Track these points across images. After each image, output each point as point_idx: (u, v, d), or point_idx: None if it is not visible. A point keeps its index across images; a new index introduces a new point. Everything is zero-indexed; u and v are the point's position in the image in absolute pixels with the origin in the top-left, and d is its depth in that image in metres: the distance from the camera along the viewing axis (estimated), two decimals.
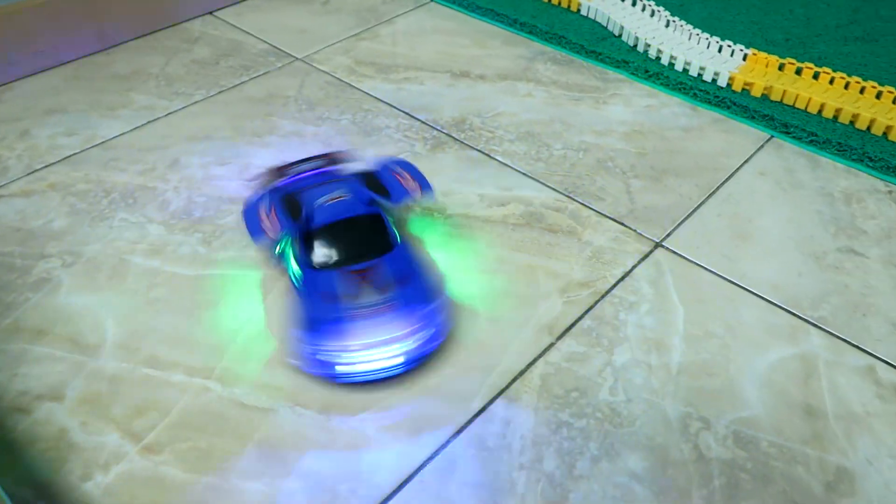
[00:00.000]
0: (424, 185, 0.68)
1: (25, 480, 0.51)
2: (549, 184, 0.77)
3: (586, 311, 0.63)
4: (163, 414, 0.55)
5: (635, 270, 0.67)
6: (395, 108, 0.89)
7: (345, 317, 0.54)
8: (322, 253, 0.59)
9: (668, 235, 0.71)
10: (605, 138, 0.84)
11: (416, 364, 0.57)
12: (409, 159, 0.81)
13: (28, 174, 0.78)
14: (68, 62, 0.97)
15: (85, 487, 0.50)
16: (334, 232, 0.60)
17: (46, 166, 0.79)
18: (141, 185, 0.77)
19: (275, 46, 1.02)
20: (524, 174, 0.79)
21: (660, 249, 0.70)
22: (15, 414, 0.55)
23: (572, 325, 0.62)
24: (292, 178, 0.67)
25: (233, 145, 0.83)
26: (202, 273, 0.66)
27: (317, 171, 0.67)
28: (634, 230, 0.72)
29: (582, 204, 0.75)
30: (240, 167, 0.79)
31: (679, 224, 0.73)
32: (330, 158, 0.69)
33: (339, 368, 0.54)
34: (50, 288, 0.65)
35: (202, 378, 0.57)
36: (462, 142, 0.84)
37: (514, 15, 1.06)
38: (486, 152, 0.82)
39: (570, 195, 0.76)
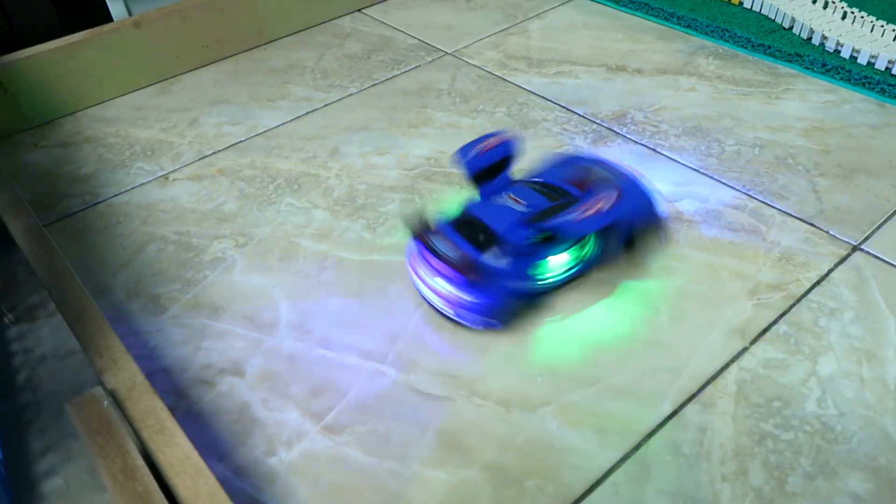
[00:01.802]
0: (599, 219, 0.55)
1: (212, 451, 0.51)
2: (724, 180, 0.72)
3: (780, 316, 0.58)
4: (340, 395, 0.54)
5: (832, 274, 0.61)
6: (550, 101, 0.87)
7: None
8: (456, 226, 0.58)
9: (867, 238, 0.65)
10: (783, 134, 0.78)
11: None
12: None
13: (199, 159, 0.81)
14: (228, 57, 1.01)
15: (270, 462, 0.50)
16: (467, 226, 0.58)
17: (215, 153, 0.82)
18: (304, 172, 0.78)
19: (423, 41, 1.02)
20: (696, 170, 0.74)
21: (859, 253, 0.63)
22: (200, 385, 0.56)
23: (766, 329, 0.57)
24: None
25: (389, 136, 0.83)
26: (369, 258, 0.66)
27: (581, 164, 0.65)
28: (827, 231, 0.66)
29: (763, 202, 0.69)
30: (398, 157, 0.79)
31: (879, 227, 0.66)
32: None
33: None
34: (225, 267, 0.66)
35: (376, 362, 0.57)
36: (625, 136, 0.80)
37: (671, 9, 1.01)
38: (653, 147, 0.78)
39: (750, 193, 0.70)
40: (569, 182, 0.62)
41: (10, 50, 0.86)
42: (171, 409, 0.54)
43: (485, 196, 0.62)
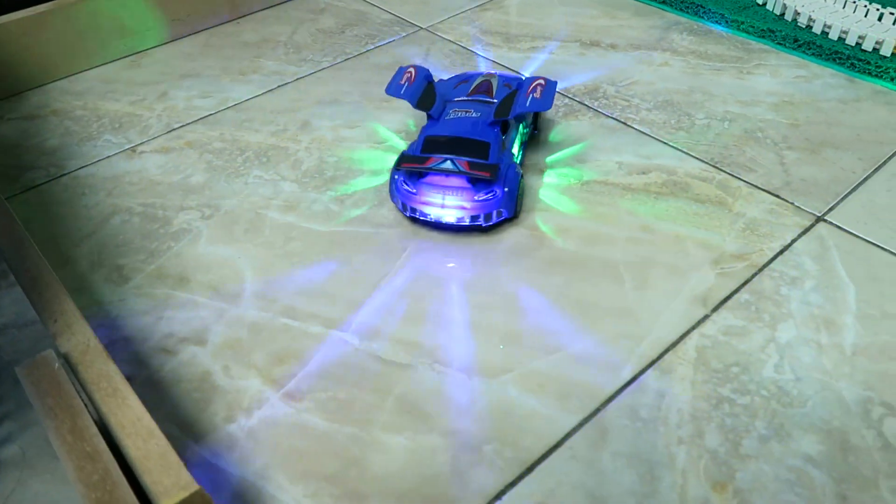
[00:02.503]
0: (547, 101, 0.66)
1: (172, 417, 0.51)
2: (693, 153, 0.72)
3: (743, 285, 0.58)
4: (302, 363, 0.54)
5: (795, 244, 0.62)
6: (522, 75, 0.86)
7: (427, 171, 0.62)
8: (430, 148, 0.64)
9: (831, 209, 0.65)
10: (753, 108, 0.78)
11: (476, 224, 0.63)
12: (544, 125, 0.77)
13: (167, 132, 0.80)
14: (201, 31, 0.99)
15: (229, 429, 0.50)
16: (447, 141, 0.64)
17: (184, 125, 0.81)
18: (274, 144, 0.77)
19: (398, 17, 1.01)
20: (665, 143, 0.74)
21: (822, 224, 0.64)
22: (161, 354, 0.55)
23: (728, 297, 0.57)
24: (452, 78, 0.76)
25: (361, 109, 0.82)
26: (336, 230, 0.66)
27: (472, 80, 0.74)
28: (792, 203, 0.66)
29: (731, 175, 0.70)
30: (368, 131, 0.78)
31: (843, 198, 0.66)
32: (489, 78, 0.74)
33: (411, 205, 0.63)
34: (191, 238, 0.66)
35: (340, 331, 0.56)
36: (596, 109, 0.80)
37: None
38: (623, 120, 0.78)
39: (718, 165, 0.71)
40: (479, 93, 0.71)
41: None
42: (132, 377, 0.54)
43: (435, 118, 0.68)
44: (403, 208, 0.64)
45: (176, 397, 0.52)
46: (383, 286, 0.60)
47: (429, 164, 0.62)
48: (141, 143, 0.78)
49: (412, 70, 0.71)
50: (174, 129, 0.80)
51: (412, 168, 0.62)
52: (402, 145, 0.76)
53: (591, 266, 0.61)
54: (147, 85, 0.88)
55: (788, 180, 0.68)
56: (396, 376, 0.53)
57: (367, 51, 0.93)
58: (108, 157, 0.77)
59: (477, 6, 1.02)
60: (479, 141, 0.63)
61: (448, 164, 0.61)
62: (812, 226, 0.63)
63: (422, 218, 0.63)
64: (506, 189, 0.62)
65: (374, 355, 0.55)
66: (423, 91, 0.69)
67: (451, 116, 0.66)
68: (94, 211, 0.69)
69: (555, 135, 0.76)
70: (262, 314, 0.58)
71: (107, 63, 0.93)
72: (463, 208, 0.62)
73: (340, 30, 0.98)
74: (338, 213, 0.68)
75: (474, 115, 0.66)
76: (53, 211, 0.70)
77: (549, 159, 0.72)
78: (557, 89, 0.82)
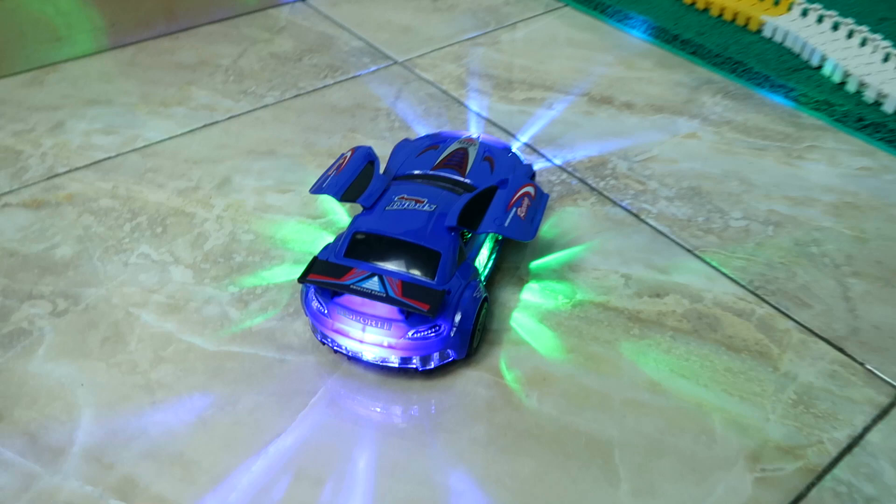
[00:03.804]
0: (529, 228, 0.49)
1: None
2: (725, 270, 0.54)
3: (794, 503, 0.40)
4: None
5: (869, 436, 0.43)
6: (512, 136, 0.68)
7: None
8: (356, 252, 0.46)
9: None
10: (805, 209, 0.60)
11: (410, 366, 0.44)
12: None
13: (47, 178, 0.62)
14: (129, 44, 0.82)
15: None
16: (381, 244, 0.46)
17: (71, 171, 0.63)
18: (177, 208, 0.59)
19: (371, 45, 0.83)
20: (689, 251, 0.56)
21: None
22: None
23: None
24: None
25: (300, 166, 0.64)
26: (227, 349, 0.47)
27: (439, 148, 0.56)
28: (861, 364, 0.48)
29: (776, 309, 0.51)
30: (305, 198, 0.60)
31: None
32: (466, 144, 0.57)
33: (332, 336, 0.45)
34: (27, 345, 0.47)
35: None
36: (602, 192, 0.62)
37: (676, 30, 0.83)
38: (635, 212, 0.60)
39: (759, 292, 0.52)
40: (448, 167, 0.54)
41: None
42: None
43: (372, 206, 0.49)
44: (314, 331, 0.46)
45: None
46: (269, 450, 0.42)
47: (346, 280, 0.43)
48: (9, 192, 0.60)
49: (348, 154, 0.53)
50: (57, 176, 0.62)
51: (322, 283, 0.44)
52: (345, 222, 0.57)
53: (572, 447, 0.42)
54: (42, 110, 0.70)
55: (856, 326, 0.50)
56: None
57: (325, 87, 0.75)
58: None
59: (468, 39, 0.84)
60: (428, 249, 0.45)
61: (373, 283, 0.43)
62: (892, 405, 0.45)
63: (335, 349, 0.45)
64: (455, 324, 0.44)
65: None
66: (357, 176, 0.51)
67: (395, 206, 0.48)
68: None
69: (547, 228, 0.58)
70: (86, 490, 0.40)
71: (4, 77, 0.75)
72: (389, 347, 0.43)
73: (298, 56, 0.80)
74: (236, 321, 0.49)
75: (428, 207, 0.47)
76: None
77: (534, 265, 0.54)
78: (559, 162, 0.64)
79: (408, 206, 0.47)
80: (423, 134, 0.64)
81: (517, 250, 0.55)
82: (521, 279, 0.53)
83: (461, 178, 0.53)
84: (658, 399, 0.45)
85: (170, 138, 0.67)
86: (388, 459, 0.41)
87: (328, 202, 0.60)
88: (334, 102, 0.73)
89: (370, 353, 0.44)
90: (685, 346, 0.48)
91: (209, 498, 0.39)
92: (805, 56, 0.78)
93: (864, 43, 0.77)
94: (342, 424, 0.43)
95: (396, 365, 0.44)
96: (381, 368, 0.46)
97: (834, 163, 0.66)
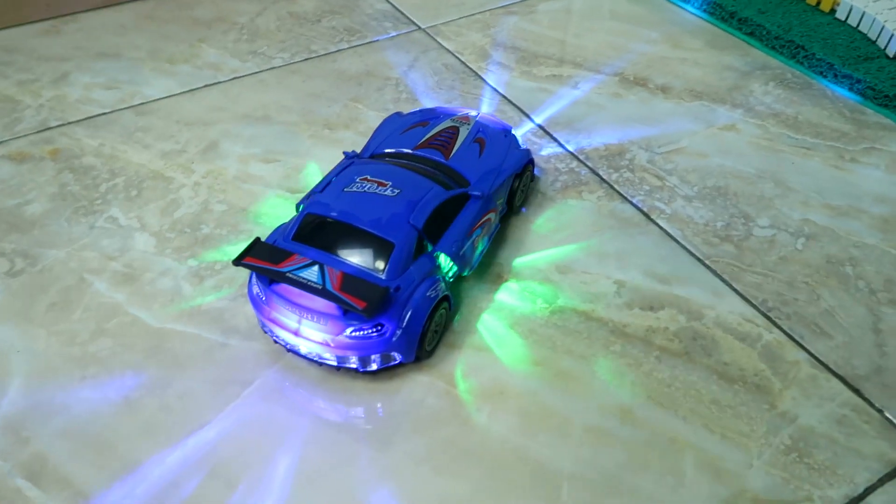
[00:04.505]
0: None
1: None
2: (737, 285, 0.47)
3: None
4: None
5: (871, 498, 0.36)
6: (527, 116, 0.62)
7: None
8: (304, 236, 0.42)
9: None
10: (848, 221, 0.52)
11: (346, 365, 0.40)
12: (531, 200, 0.54)
13: (38, 132, 0.61)
14: None
15: None
16: (332, 229, 0.41)
17: (63, 125, 0.61)
18: (157, 171, 0.56)
19: (397, 8, 0.78)
20: (699, 260, 0.49)
21: None
22: None
23: None
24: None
25: (292, 135, 0.60)
26: (171, 327, 0.45)
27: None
28: (880, 410, 0.40)
29: (789, 336, 0.44)
30: (289, 169, 0.57)
31: None
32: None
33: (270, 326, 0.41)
34: None
35: None
36: (612, 185, 0.55)
37: (733, 6, 0.74)
38: (646, 210, 0.53)
39: (771, 315, 0.45)
40: (432, 147, 0.49)
41: None
42: None
43: (332, 184, 0.44)
44: (257, 318, 0.42)
45: None
46: (188, 442, 0.39)
47: (283, 267, 0.39)
48: None
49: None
50: (48, 129, 0.61)
51: (254, 268, 0.40)
52: None
53: (516, 474, 0.37)
54: (51, 60, 0.69)
55: (881, 364, 0.43)
56: None
57: (338, 51, 0.71)
58: None
59: (501, 7, 0.78)
60: (381, 239, 0.40)
61: (312, 273, 0.39)
62: None
63: (274, 340, 0.42)
64: (402, 325, 0.39)
65: None
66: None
67: (355, 188, 0.43)
68: None
69: (542, 221, 0.52)
70: None
71: (23, 24, 0.75)
72: (325, 344, 0.39)
73: (317, 17, 0.76)
74: (187, 296, 0.47)
75: (390, 192, 0.43)
76: None
77: (518, 262, 0.49)
78: (572, 148, 0.58)
79: (368, 188, 0.43)
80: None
81: (507, 241, 0.50)
82: (500, 276, 0.48)
83: (443, 161, 0.48)
84: (625, 429, 0.39)
85: (168, 97, 0.65)
86: (311, 466, 0.38)
87: (312, 175, 0.56)
88: (344, 68, 0.68)
89: (304, 348, 0.40)
90: (670, 371, 0.42)
91: (116, 486, 0.37)
92: (881, 42, 0.68)
93: None
94: (271, 422, 0.40)
95: (333, 364, 0.40)
96: (328, 366, 0.42)
97: (893, 169, 0.57)
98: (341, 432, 0.39)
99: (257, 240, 0.41)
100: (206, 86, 0.66)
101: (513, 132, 0.53)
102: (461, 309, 0.46)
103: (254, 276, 0.42)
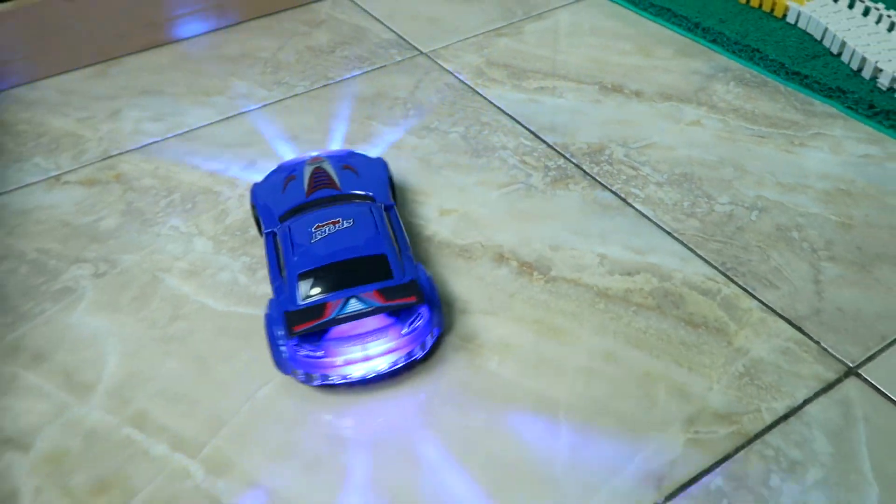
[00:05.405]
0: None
1: None
2: (700, 252, 0.57)
3: (719, 462, 0.43)
4: (126, 496, 0.43)
5: (808, 408, 0.45)
6: (519, 124, 0.72)
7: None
8: (312, 290, 0.47)
9: (871, 359, 0.48)
10: (795, 196, 0.61)
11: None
12: (522, 193, 0.63)
13: (101, 160, 0.71)
14: (182, 39, 0.90)
15: None
16: (331, 273, 0.48)
17: (122, 153, 0.72)
18: (206, 188, 0.66)
19: (401, 36, 0.88)
20: (668, 233, 0.59)
21: (853, 380, 0.47)
22: None
23: (693, 480, 0.42)
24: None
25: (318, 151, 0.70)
26: (233, 310, 0.54)
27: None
28: (817, 342, 0.49)
29: (743, 289, 0.53)
30: None
31: (891, 344, 0.49)
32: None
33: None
34: (71, 301, 0.56)
35: (187, 456, 0.45)
36: (594, 177, 0.65)
37: (697, 17, 0.84)
38: (623, 196, 0.62)
39: (729, 274, 0.55)
40: (321, 188, 0.56)
41: None
42: None
43: (294, 247, 0.50)
44: (308, 378, 0.47)
45: None
46: (259, 399, 0.48)
47: (330, 314, 0.45)
48: (68, 171, 0.70)
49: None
50: (110, 157, 0.71)
51: (312, 329, 0.45)
52: None
53: (523, 405, 0.47)
54: (102, 100, 0.80)
55: (819, 307, 0.52)
56: None
57: (352, 77, 0.81)
58: (29, 184, 0.68)
59: (492, 30, 0.88)
60: (372, 256, 0.48)
61: (355, 304, 0.46)
62: (838, 381, 0.47)
63: (342, 382, 0.47)
64: (432, 304, 0.48)
65: (214, 500, 0.43)
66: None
67: (318, 236, 0.49)
68: None
69: (533, 210, 0.62)
70: (107, 419, 0.47)
71: (76, 69, 0.85)
72: (394, 350, 0.47)
73: (331, 49, 0.87)
74: (244, 287, 0.56)
75: (346, 223, 0.50)
76: None
77: (516, 243, 0.58)
78: (559, 149, 0.68)
79: (329, 230, 0.50)
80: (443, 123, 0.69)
81: (500, 228, 0.60)
82: (502, 256, 0.57)
83: (342, 193, 0.55)
84: (609, 367, 0.48)
85: (208, 125, 0.75)
86: (363, 415, 0.47)
87: None
88: (358, 92, 0.79)
89: (381, 364, 0.46)
90: (645, 321, 0.51)
91: (203, 430, 0.46)
92: (826, 43, 0.77)
93: (891, 28, 0.76)
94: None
95: (403, 363, 0.47)
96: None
97: (837, 150, 0.66)
98: (376, 384, 0.49)
99: (286, 313, 0.46)
100: (239, 113, 0.76)
101: (357, 152, 0.61)
102: (471, 284, 0.55)
103: (289, 349, 0.46)
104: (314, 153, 0.60)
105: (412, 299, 0.46)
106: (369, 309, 0.45)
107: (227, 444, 0.46)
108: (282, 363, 0.47)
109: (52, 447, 0.46)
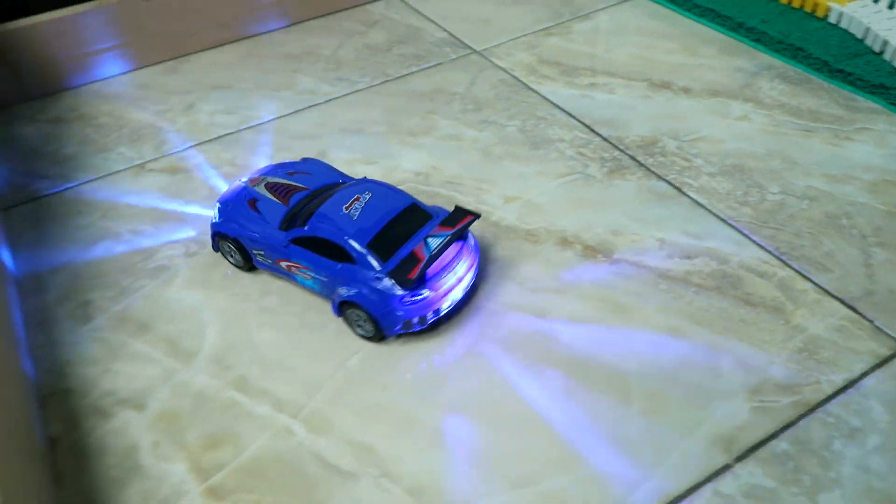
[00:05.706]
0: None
1: (83, 494, 0.46)
2: (755, 238, 0.60)
3: (784, 428, 0.46)
4: (237, 451, 0.47)
5: (865, 381, 0.49)
6: (573, 118, 0.76)
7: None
8: (391, 250, 0.52)
9: None
10: (843, 186, 0.65)
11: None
12: (580, 183, 0.67)
13: (181, 150, 0.75)
14: (247, 37, 0.95)
15: None
16: (386, 233, 0.53)
17: (199, 143, 0.76)
18: None
19: (453, 36, 0.92)
20: (723, 220, 0.62)
21: None
22: (95, 416, 0.50)
23: (761, 443, 0.46)
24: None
25: (384, 143, 0.74)
26: None
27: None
28: (871, 321, 0.53)
29: (798, 272, 0.57)
30: (385, 169, 0.71)
31: None
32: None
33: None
34: (167, 277, 0.60)
35: (289, 416, 0.49)
36: (648, 168, 0.68)
37: (740, 17, 0.87)
38: (678, 185, 0.66)
39: (784, 258, 0.58)
40: (289, 194, 0.59)
41: (14, 17, 0.83)
42: (58, 440, 0.49)
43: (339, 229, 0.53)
44: (408, 326, 0.52)
45: (94, 473, 0.47)
46: (351, 366, 0.52)
47: (424, 256, 0.50)
48: (152, 160, 0.74)
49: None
50: (189, 147, 0.76)
51: (423, 268, 0.50)
52: (422, 191, 0.67)
53: (595, 374, 0.50)
54: (177, 94, 0.84)
55: (872, 289, 0.55)
56: (335, 488, 0.45)
57: (410, 73, 0.85)
58: (117, 172, 0.73)
59: (541, 29, 0.92)
60: (408, 207, 0.54)
61: (434, 242, 0.51)
62: (893, 356, 0.50)
63: (445, 313, 0.53)
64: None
65: (317, 455, 0.47)
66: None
67: (355, 214, 0.53)
68: (84, 234, 0.65)
69: (591, 200, 0.65)
70: (212, 382, 0.52)
71: (150, 65, 0.90)
72: (471, 267, 0.55)
73: (388, 47, 0.91)
74: None
75: (367, 195, 0.54)
76: (45, 228, 0.67)
77: (580, 229, 0.62)
78: (614, 141, 0.71)
79: (359, 206, 0.53)
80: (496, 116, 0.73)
81: (563, 215, 0.63)
82: (567, 241, 0.61)
83: (309, 189, 0.59)
84: (675, 342, 0.52)
85: (278, 118, 0.79)
86: (450, 372, 0.51)
87: (405, 171, 0.70)
88: (417, 87, 0.83)
89: (468, 280, 0.54)
90: (706, 300, 0.55)
91: (305, 399, 0.50)
92: (868, 41, 0.80)
93: None
94: (410, 342, 0.53)
95: (472, 281, 0.55)
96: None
97: (881, 144, 0.69)
98: (468, 355, 0.53)
99: (389, 273, 0.50)
100: (306, 108, 0.81)
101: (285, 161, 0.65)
102: (540, 264, 0.59)
103: (398, 302, 0.50)
104: (244, 178, 0.62)
105: (472, 217, 0.53)
106: (450, 237, 0.51)
107: (325, 405, 0.50)
108: (393, 321, 0.51)
109: (165, 407, 0.50)
